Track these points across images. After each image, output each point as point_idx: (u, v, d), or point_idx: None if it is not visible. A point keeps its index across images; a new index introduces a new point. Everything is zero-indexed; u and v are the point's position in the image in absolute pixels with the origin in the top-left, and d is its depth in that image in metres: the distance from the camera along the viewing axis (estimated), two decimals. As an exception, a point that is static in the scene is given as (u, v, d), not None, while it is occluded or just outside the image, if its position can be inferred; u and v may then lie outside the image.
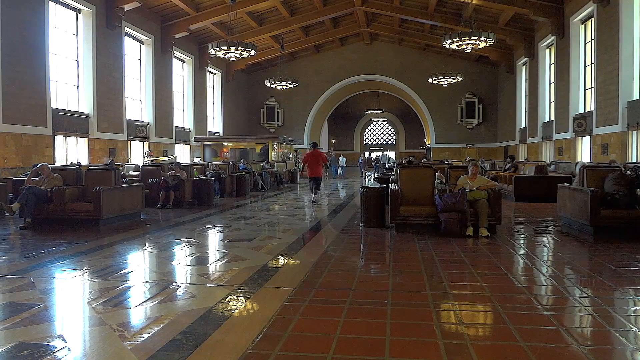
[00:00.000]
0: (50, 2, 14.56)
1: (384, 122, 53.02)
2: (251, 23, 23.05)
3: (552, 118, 20.75)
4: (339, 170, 32.31)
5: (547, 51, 21.62)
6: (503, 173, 14.29)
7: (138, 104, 20.17)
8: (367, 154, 46.28)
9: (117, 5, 17.01)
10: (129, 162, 17.23)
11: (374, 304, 3.75)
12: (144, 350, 2.86)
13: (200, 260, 5.59)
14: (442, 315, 3.51)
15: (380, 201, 7.74)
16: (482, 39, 16.55)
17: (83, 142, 16.14)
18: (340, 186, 19.96)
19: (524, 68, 24.79)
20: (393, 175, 10.46)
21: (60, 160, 14.86)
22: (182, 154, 23.55)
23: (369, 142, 53.82)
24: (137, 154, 19.40)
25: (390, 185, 8.01)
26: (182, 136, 23.27)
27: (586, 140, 17.26)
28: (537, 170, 12.35)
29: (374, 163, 35.53)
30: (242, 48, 17.50)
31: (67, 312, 3.74)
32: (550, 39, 20.11)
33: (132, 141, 18.80)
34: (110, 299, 3.93)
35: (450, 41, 16.90)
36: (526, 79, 24.35)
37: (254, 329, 3.18)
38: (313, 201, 12.24)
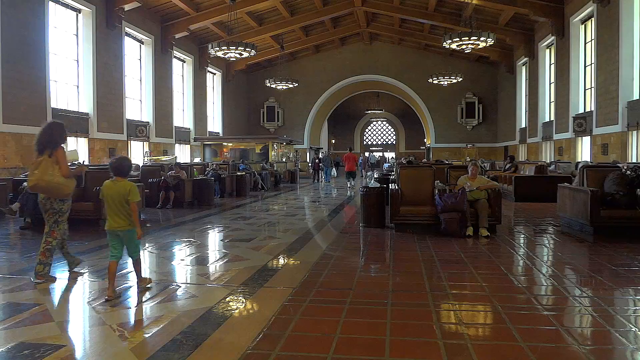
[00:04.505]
0: (50, 2, 14.55)
1: (384, 122, 53.00)
2: (251, 23, 23.04)
3: (552, 118, 20.74)
4: (333, 172, 27.36)
5: (547, 51, 21.61)
6: (503, 173, 14.29)
7: (138, 104, 20.16)
8: (367, 154, 46.26)
9: (117, 5, 16.99)
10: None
11: (374, 304, 3.75)
12: (144, 350, 2.86)
13: (200, 260, 5.59)
14: (442, 315, 3.51)
15: (380, 201, 7.74)
16: (482, 39, 16.54)
17: (83, 142, 16.13)
18: (339, 186, 19.93)
19: (524, 68, 24.78)
20: (393, 175, 10.46)
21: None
22: (182, 154, 23.55)
23: (369, 142, 53.80)
24: (137, 154, 19.39)
25: (390, 185, 8.01)
26: (182, 136, 23.27)
27: (586, 140, 17.25)
28: (537, 170, 12.35)
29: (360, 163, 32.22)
30: (242, 48, 17.50)
31: (67, 312, 3.74)
32: (550, 39, 20.11)
33: (132, 141, 18.79)
34: (110, 299, 3.93)
35: (450, 41, 16.89)
36: (526, 79, 24.34)
37: (254, 329, 3.18)
38: (349, 186, 17.70)
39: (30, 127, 13.37)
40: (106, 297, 3.85)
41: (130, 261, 4.36)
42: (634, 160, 13.34)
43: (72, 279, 4.62)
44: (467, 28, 17.76)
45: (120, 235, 4.06)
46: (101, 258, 5.52)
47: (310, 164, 27.72)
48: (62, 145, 4.51)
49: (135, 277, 4.27)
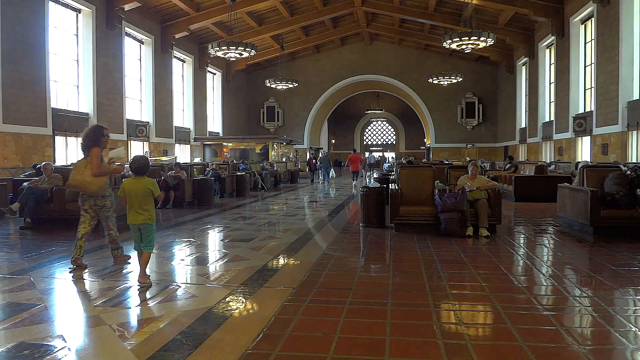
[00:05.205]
0: (50, 2, 14.55)
1: (384, 122, 52.94)
2: (251, 23, 23.05)
3: (552, 118, 20.74)
4: (331, 173, 24.71)
5: (547, 51, 21.61)
6: (503, 173, 14.29)
7: (138, 104, 20.16)
8: (367, 154, 46.18)
9: (117, 5, 17.00)
10: (129, 162, 17.20)
11: (374, 304, 3.74)
12: (144, 350, 2.86)
13: (200, 260, 5.59)
14: (442, 315, 3.51)
15: (380, 201, 7.74)
16: (482, 39, 16.55)
17: (83, 142, 16.12)
18: (339, 187, 19.94)
19: (524, 68, 24.79)
20: (393, 175, 10.46)
21: (60, 161, 14.85)
22: (182, 154, 23.55)
23: (369, 142, 53.76)
24: (137, 154, 19.38)
25: (390, 185, 8.01)
26: (182, 136, 23.26)
27: (586, 140, 17.26)
28: (537, 170, 12.35)
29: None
30: (242, 48, 17.51)
31: (67, 312, 3.74)
32: (550, 39, 20.11)
33: (132, 141, 18.80)
34: (110, 299, 3.93)
35: (450, 41, 16.90)
36: (526, 79, 24.35)
37: (254, 329, 3.18)
38: (354, 185, 18.61)
39: (30, 127, 13.38)
40: (139, 283, 4.26)
41: (137, 258, 4.42)
42: (634, 160, 13.35)
43: (73, 278, 4.63)
44: (467, 28, 17.78)
45: (140, 229, 4.41)
46: (101, 258, 5.52)
47: (307, 164, 26.84)
48: (97, 147, 5.07)
49: (138, 273, 4.34)
